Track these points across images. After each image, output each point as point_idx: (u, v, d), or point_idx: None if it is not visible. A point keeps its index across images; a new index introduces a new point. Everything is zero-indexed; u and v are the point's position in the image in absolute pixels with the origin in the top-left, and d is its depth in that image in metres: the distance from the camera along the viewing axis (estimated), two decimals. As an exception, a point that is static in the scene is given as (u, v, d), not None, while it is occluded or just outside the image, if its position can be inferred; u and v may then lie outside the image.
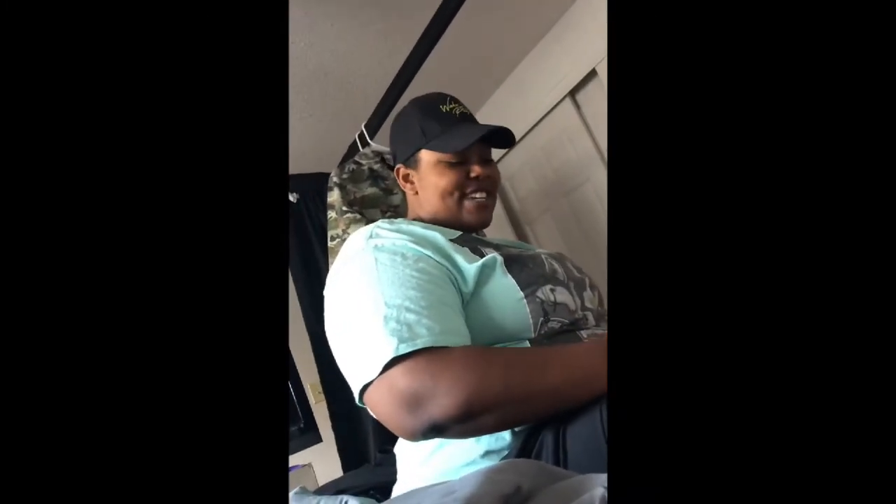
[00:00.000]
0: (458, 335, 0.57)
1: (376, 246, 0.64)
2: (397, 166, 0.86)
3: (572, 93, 1.93)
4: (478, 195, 0.80)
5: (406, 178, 0.85)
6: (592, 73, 1.83)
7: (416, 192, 0.84)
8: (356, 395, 0.58)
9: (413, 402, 0.52)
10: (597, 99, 1.88)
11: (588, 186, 1.95)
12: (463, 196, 0.79)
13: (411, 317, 0.55)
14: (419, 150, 0.81)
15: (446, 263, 0.63)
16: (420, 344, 0.53)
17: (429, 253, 0.63)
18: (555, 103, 1.97)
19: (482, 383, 0.51)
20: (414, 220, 0.83)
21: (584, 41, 1.81)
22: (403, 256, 0.62)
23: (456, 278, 0.63)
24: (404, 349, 0.53)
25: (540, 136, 2.08)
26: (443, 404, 0.51)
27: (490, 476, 0.35)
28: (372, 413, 0.58)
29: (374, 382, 0.54)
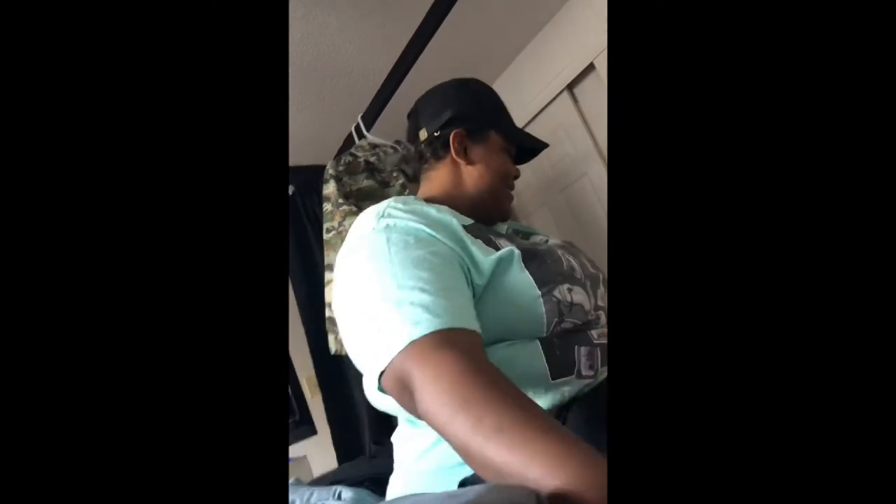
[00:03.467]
0: (469, 318, 0.54)
1: (388, 226, 0.62)
2: (457, 131, 0.81)
3: (570, 87, 1.93)
4: (512, 190, 0.87)
5: (462, 144, 0.81)
6: (590, 67, 1.83)
7: (468, 164, 0.81)
8: (375, 384, 0.54)
9: (409, 393, 0.49)
10: (594, 93, 1.87)
11: (585, 181, 1.95)
12: (508, 185, 0.85)
13: (426, 298, 0.52)
14: (492, 129, 0.83)
15: (460, 251, 0.61)
16: (436, 325, 0.50)
17: (442, 238, 0.61)
18: (552, 97, 1.97)
19: (429, 412, 0.46)
20: (428, 199, 0.79)
21: (582, 35, 1.80)
22: (417, 237, 0.60)
23: (469, 268, 0.61)
24: (418, 332, 0.49)
25: (537, 130, 2.07)
26: (415, 407, 0.48)
27: (497, 488, 0.36)
28: (394, 399, 0.55)
29: (387, 369, 0.51)
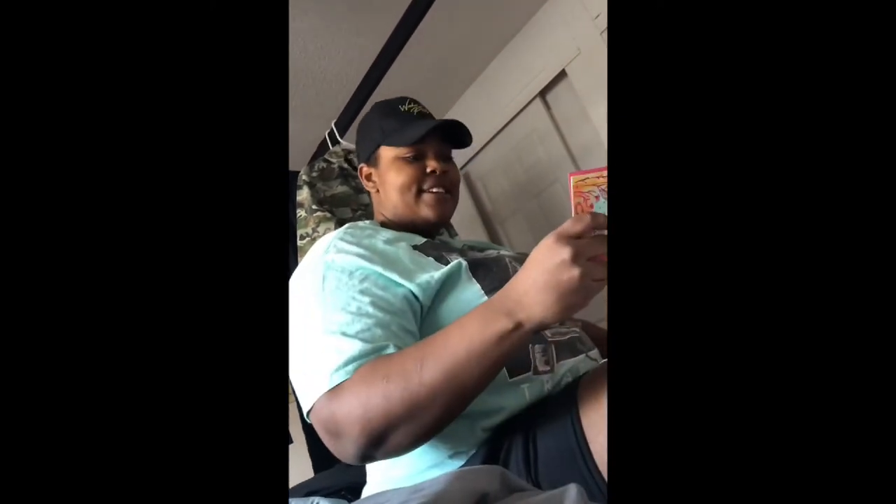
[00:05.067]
0: (392, 349, 0.57)
1: (327, 263, 0.64)
2: (360, 166, 0.88)
3: (542, 93, 1.95)
4: (435, 189, 0.80)
5: (368, 177, 0.86)
6: (562, 74, 1.86)
7: (378, 191, 0.84)
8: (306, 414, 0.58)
9: (332, 435, 0.53)
10: (566, 100, 1.90)
11: (558, 186, 1.97)
12: (420, 190, 0.80)
13: (344, 343, 0.55)
14: (378, 147, 0.82)
15: (401, 279, 0.63)
16: (350, 371, 0.53)
17: (379, 270, 0.63)
18: (525, 104, 1.99)
19: (366, 410, 0.50)
20: (382, 222, 0.83)
21: (554, 42, 1.83)
22: (350, 275, 0.62)
23: (413, 293, 0.63)
24: (336, 379, 0.53)
25: (511, 136, 2.09)
26: (349, 440, 0.52)
27: (461, 475, 0.36)
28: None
29: (310, 411, 0.56)
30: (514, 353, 0.50)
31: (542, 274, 0.46)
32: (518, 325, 0.48)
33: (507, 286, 0.50)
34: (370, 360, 0.54)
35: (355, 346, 0.55)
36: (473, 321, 0.51)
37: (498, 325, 0.49)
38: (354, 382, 0.53)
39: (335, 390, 0.53)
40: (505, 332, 0.48)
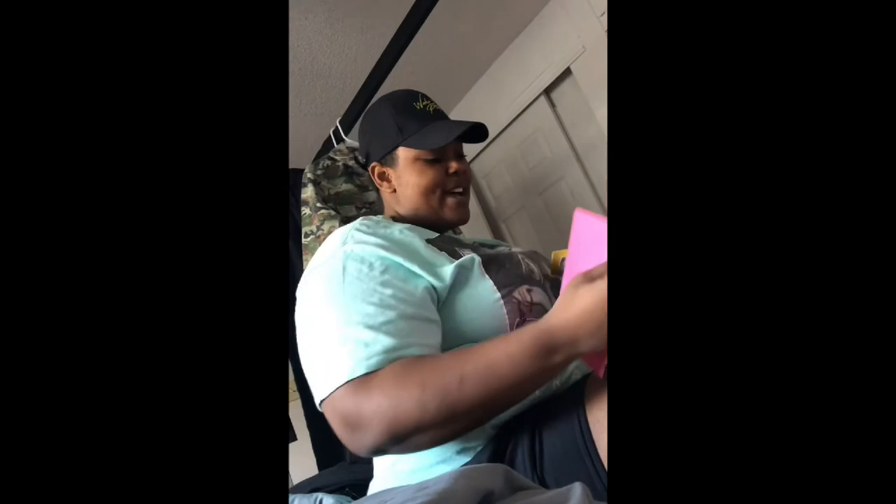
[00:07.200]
0: (417, 347, 0.57)
1: (346, 253, 0.64)
2: (372, 164, 0.86)
3: (547, 91, 1.95)
4: (457, 191, 0.81)
5: (382, 176, 0.84)
6: (567, 72, 1.85)
7: (394, 191, 0.83)
8: (317, 403, 0.59)
9: (350, 426, 0.53)
10: (571, 97, 1.90)
11: (562, 184, 1.97)
12: (444, 193, 0.80)
13: (368, 335, 0.56)
14: (396, 147, 0.81)
15: (419, 269, 0.63)
16: (373, 364, 0.54)
17: (399, 260, 0.63)
18: (529, 101, 1.99)
19: (397, 412, 0.51)
20: (393, 217, 0.83)
21: (558, 40, 1.83)
22: (371, 266, 0.62)
23: (432, 284, 0.63)
24: (359, 371, 0.54)
25: (515, 134, 2.09)
26: (369, 434, 0.52)
27: (465, 473, 0.36)
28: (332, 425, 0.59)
29: (326, 399, 0.56)
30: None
31: (594, 305, 0.49)
32: (570, 359, 0.52)
33: (554, 320, 0.52)
34: (399, 356, 0.54)
35: (380, 340, 0.55)
36: (525, 354, 0.52)
37: (554, 360, 0.52)
38: (384, 380, 0.53)
39: (361, 383, 0.53)
40: (557, 365, 0.52)
